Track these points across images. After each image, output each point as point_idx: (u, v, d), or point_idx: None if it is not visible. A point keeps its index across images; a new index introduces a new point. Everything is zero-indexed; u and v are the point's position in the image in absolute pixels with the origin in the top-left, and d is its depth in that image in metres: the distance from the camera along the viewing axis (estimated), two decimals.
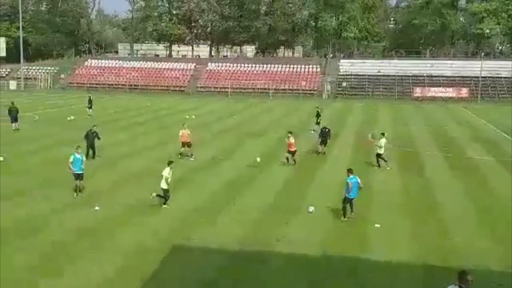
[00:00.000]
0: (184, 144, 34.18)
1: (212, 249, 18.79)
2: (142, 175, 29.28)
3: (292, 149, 32.59)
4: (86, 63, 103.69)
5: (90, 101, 55.81)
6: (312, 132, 45.05)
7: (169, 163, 23.81)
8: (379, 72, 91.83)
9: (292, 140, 32.50)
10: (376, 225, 21.41)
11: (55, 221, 21.39)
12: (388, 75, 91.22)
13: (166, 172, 23.32)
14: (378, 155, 32.48)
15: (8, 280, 15.95)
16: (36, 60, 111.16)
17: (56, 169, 29.07)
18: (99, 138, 33.70)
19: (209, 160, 33.80)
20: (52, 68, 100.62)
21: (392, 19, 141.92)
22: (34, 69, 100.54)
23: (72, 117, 52.09)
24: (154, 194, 23.66)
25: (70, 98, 75.46)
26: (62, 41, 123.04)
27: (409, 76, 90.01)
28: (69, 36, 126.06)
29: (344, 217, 22.03)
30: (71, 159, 24.94)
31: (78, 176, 25.00)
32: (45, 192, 25.45)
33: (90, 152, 32.99)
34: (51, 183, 26.98)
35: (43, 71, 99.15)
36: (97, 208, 23.05)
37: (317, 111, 47.32)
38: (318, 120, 46.46)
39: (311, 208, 23.05)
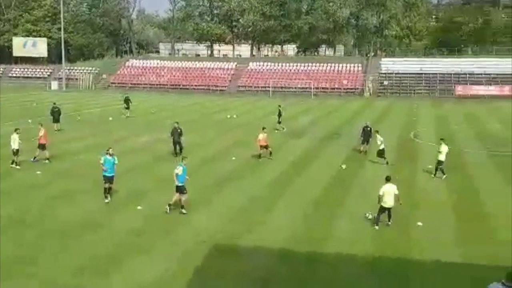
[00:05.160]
0: (262, 147, 33.70)
1: (262, 248, 18.80)
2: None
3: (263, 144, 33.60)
4: (127, 63, 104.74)
5: (127, 101, 55.84)
6: (284, 130, 45.96)
7: None
8: (421, 70, 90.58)
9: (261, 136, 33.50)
10: (419, 223, 21.20)
11: (104, 221, 21.58)
12: (429, 73, 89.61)
13: None
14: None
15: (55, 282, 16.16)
16: (77, 60, 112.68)
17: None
18: (181, 135, 34.43)
19: (252, 159, 33.94)
20: (93, 69, 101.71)
21: (433, 17, 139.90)
22: (76, 70, 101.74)
23: (111, 118, 53.20)
24: None
25: (111, 98, 76.28)
26: (103, 41, 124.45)
27: (451, 74, 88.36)
28: (110, 36, 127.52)
29: None
30: (101, 160, 24.15)
31: (109, 179, 24.07)
32: (93, 193, 25.27)
33: (177, 148, 34.07)
34: (99, 184, 26.10)
35: (85, 71, 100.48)
36: (139, 207, 23.17)
37: (279, 110, 47.54)
38: (280, 119, 47.12)
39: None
